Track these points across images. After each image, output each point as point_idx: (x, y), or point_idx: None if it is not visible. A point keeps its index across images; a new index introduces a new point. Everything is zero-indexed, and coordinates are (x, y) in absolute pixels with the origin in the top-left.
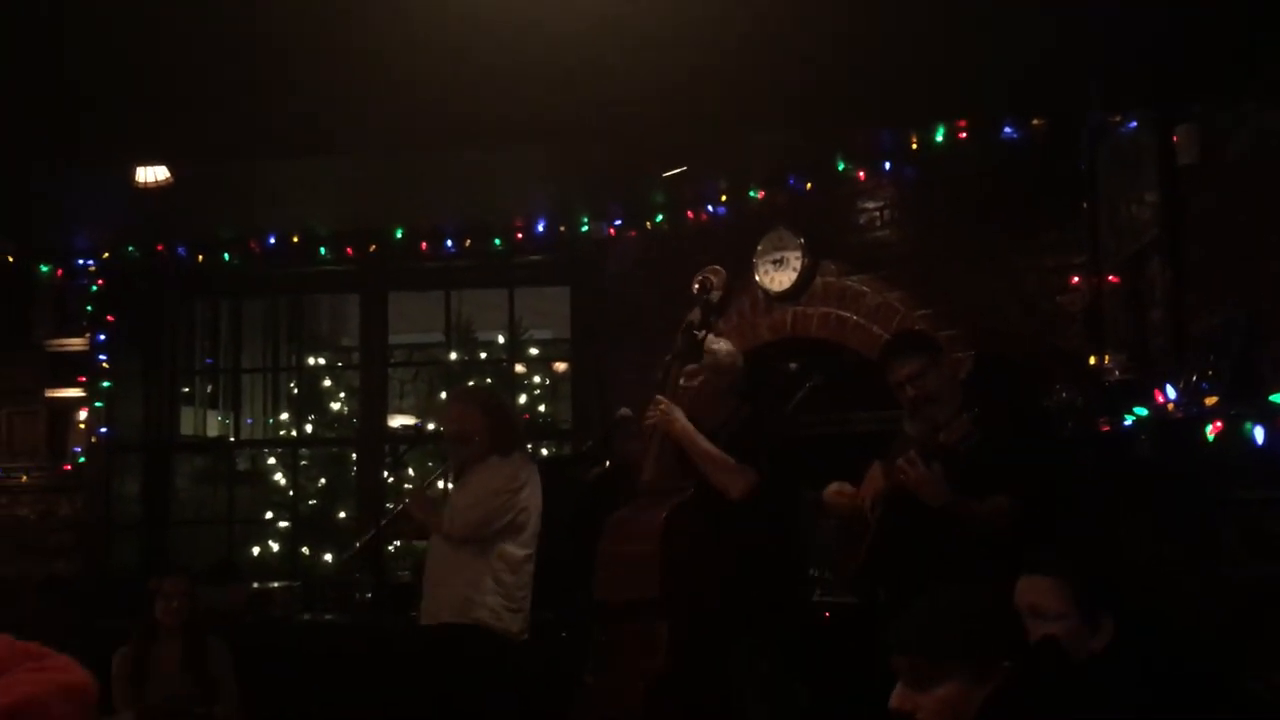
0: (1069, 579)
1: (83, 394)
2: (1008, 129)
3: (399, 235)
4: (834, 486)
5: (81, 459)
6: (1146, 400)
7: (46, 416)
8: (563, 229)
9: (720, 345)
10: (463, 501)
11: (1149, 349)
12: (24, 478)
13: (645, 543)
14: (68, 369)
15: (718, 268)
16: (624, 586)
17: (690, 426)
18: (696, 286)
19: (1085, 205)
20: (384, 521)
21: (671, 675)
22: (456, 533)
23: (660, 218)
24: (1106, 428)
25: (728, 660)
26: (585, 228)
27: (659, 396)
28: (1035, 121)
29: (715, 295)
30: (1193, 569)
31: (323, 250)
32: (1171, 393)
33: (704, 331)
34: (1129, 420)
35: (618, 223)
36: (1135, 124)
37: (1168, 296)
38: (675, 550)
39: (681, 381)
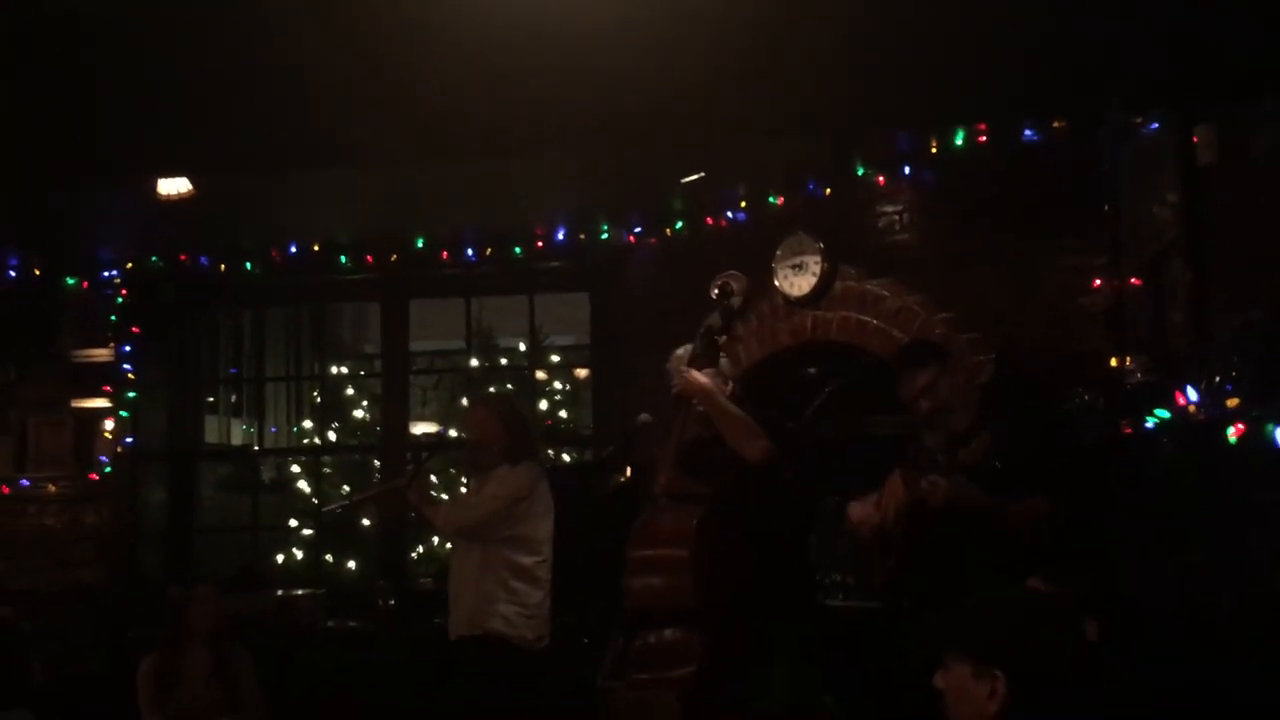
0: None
1: (108, 404)
2: (1027, 131)
3: (419, 243)
4: (855, 510)
5: (107, 468)
6: (1168, 402)
7: (73, 426)
8: (582, 236)
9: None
10: (464, 502)
11: (1170, 351)
12: (51, 487)
13: (675, 548)
14: (93, 379)
15: (737, 273)
16: (654, 593)
17: (713, 387)
18: (716, 291)
19: (1106, 207)
20: (377, 489)
21: (704, 683)
22: (448, 529)
23: (680, 224)
24: (1129, 430)
25: (756, 668)
26: (605, 234)
27: (680, 367)
28: (1055, 124)
29: (736, 301)
30: (1217, 575)
31: (344, 259)
32: (1193, 395)
33: (724, 336)
34: (1151, 423)
35: (637, 229)
36: (1155, 125)
37: (1189, 298)
38: (706, 555)
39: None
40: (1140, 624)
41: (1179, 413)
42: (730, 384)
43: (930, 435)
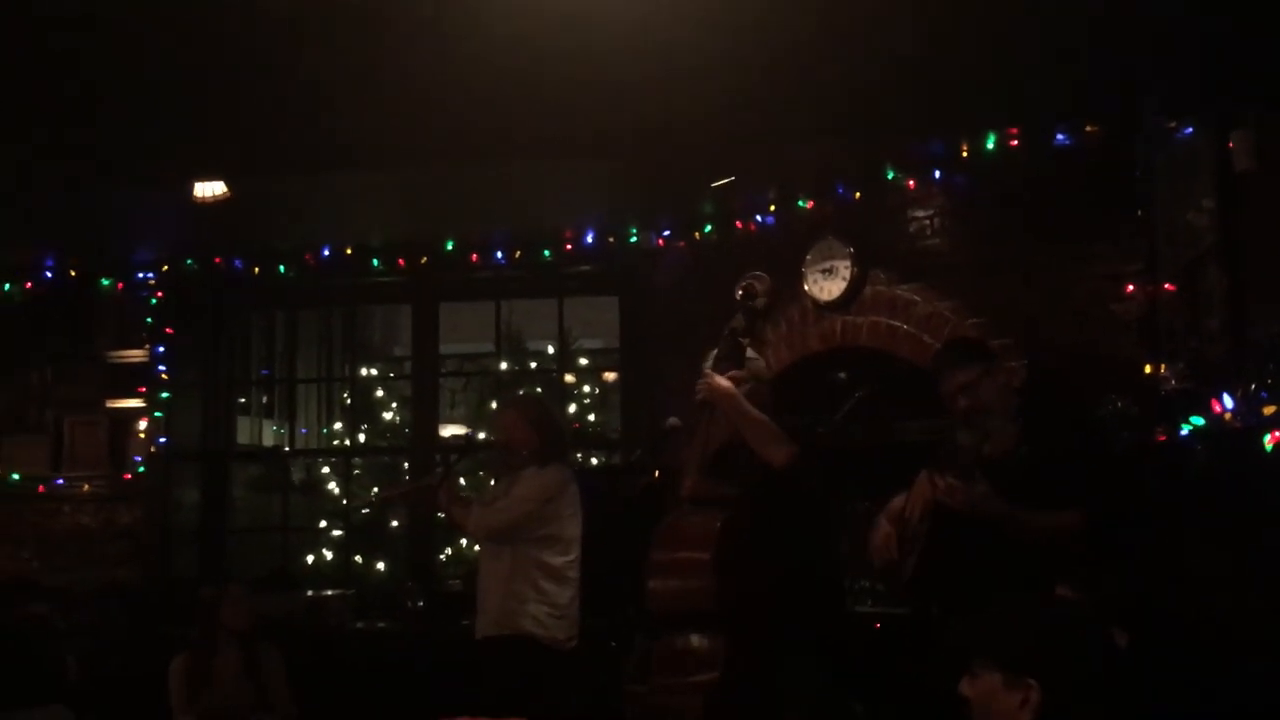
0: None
1: (142, 404)
2: (1060, 136)
3: (450, 247)
4: (881, 535)
5: (141, 468)
6: (1203, 410)
7: (107, 426)
8: (611, 239)
9: (754, 354)
10: (493, 505)
11: (1206, 358)
12: (86, 486)
13: (698, 551)
14: (128, 379)
15: (761, 274)
16: (676, 596)
17: (737, 392)
18: (740, 293)
19: (1140, 213)
20: (409, 486)
21: (727, 688)
22: (480, 533)
23: (709, 228)
24: (1163, 438)
25: (780, 674)
26: (634, 238)
27: (706, 370)
28: (1088, 128)
29: (760, 302)
30: (1252, 583)
31: (375, 262)
32: (1229, 402)
33: (748, 339)
34: (1185, 430)
35: (666, 233)
36: (1190, 130)
37: (1225, 304)
38: (728, 559)
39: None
40: (1173, 633)
41: (1215, 420)
42: (764, 386)
43: (966, 435)
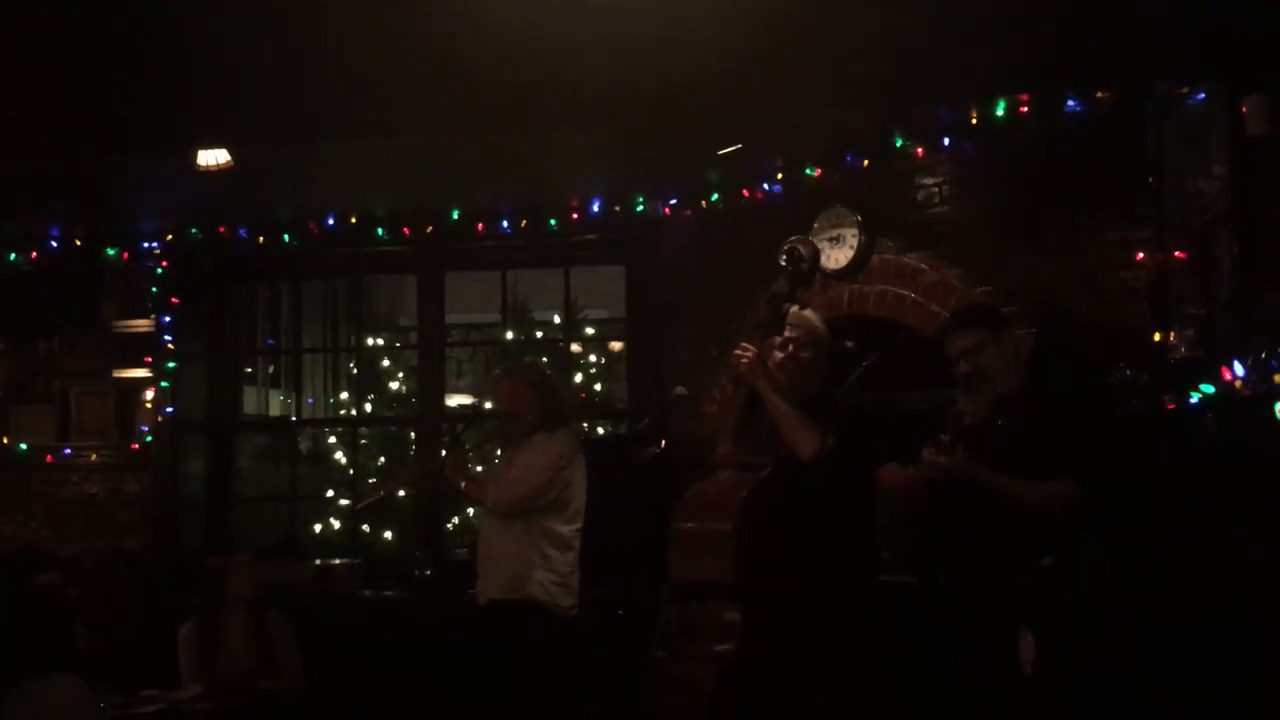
0: None
1: (149, 374)
2: (1070, 102)
3: (455, 216)
4: (889, 470)
5: (148, 438)
6: (1214, 378)
7: (114, 396)
8: (618, 209)
9: (813, 315)
10: (508, 477)
11: (1216, 325)
12: (94, 456)
13: (721, 521)
14: (134, 349)
15: (806, 238)
16: (698, 566)
17: (767, 382)
18: (784, 257)
19: (1150, 179)
20: (407, 477)
21: (743, 660)
22: (500, 507)
23: (716, 196)
24: (1172, 406)
25: (800, 649)
26: (640, 207)
27: (745, 344)
28: (1099, 94)
29: (806, 266)
30: (1261, 553)
31: (380, 231)
32: (1240, 370)
33: (789, 304)
34: (1195, 398)
35: (673, 202)
36: (1202, 95)
37: (1236, 272)
38: (751, 531)
39: (779, 355)
40: (1176, 603)
41: (1225, 388)
42: (822, 347)
43: (966, 402)
